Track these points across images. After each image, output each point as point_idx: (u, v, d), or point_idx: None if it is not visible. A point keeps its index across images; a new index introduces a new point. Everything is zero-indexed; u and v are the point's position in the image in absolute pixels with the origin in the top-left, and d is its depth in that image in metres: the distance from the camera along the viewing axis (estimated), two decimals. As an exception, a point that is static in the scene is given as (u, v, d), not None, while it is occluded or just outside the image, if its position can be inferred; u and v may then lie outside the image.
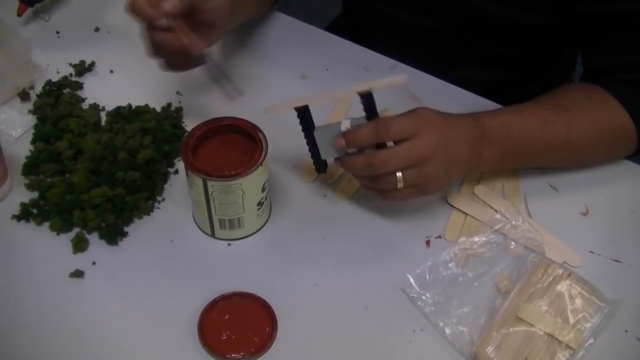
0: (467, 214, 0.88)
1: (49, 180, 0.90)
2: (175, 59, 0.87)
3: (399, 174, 0.78)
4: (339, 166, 0.84)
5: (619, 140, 0.90)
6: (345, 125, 0.80)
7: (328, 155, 0.84)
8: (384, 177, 0.80)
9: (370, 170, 0.80)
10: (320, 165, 0.86)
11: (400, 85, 0.82)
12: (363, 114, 0.80)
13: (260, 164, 0.80)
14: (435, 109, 0.82)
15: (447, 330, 0.78)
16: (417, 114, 0.80)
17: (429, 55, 1.03)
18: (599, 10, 0.88)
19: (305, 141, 0.85)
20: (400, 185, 0.79)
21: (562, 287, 0.80)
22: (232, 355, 0.76)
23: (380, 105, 1.02)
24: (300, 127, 0.84)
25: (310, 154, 0.85)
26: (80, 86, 1.02)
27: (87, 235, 0.85)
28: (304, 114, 0.83)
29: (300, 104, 0.82)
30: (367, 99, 0.79)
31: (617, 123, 0.88)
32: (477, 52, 1.06)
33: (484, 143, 0.84)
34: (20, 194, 0.89)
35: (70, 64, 1.04)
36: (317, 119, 0.97)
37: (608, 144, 0.90)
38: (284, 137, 0.93)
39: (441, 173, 0.80)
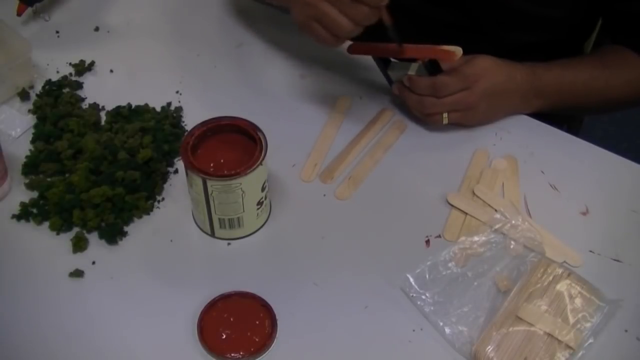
0: (466, 214, 0.88)
1: (48, 179, 0.90)
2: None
3: (445, 114, 0.92)
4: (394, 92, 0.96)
5: None
6: (414, 68, 0.94)
7: (393, 77, 0.98)
8: (432, 116, 0.94)
9: (421, 109, 0.93)
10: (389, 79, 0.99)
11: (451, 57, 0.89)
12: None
13: (260, 164, 0.80)
14: None
15: (447, 330, 0.78)
16: (474, 65, 0.90)
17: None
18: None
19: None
20: (445, 121, 0.93)
21: (562, 286, 0.80)
22: (232, 354, 0.76)
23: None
24: None
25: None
26: (80, 86, 1.02)
27: (86, 235, 0.85)
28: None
29: (382, 55, 0.96)
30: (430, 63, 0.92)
31: None
32: (489, 41, 1.05)
33: (537, 95, 0.96)
34: (20, 194, 0.89)
35: (70, 64, 1.04)
36: (315, 121, 0.98)
37: (635, 96, 1.01)
38: (283, 137, 0.93)
39: (482, 119, 0.96)
